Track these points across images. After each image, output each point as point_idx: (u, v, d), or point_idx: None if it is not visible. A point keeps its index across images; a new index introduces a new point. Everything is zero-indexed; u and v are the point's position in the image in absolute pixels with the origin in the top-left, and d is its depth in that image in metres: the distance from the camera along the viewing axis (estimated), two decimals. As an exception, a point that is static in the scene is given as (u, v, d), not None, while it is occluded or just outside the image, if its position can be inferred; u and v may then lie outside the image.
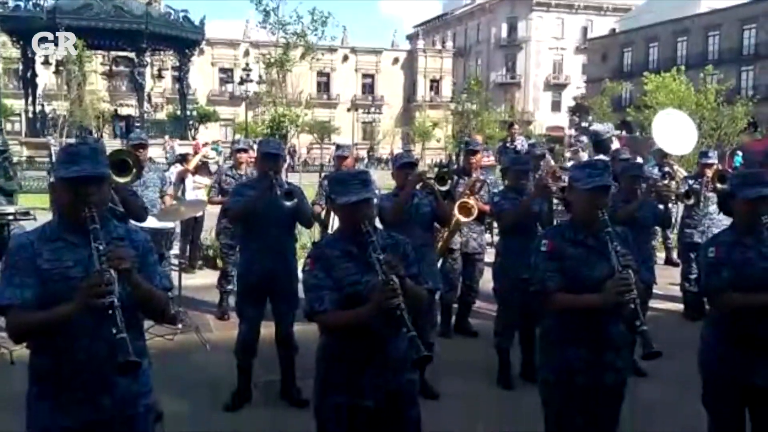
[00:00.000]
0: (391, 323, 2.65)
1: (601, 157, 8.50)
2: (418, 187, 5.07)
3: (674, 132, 8.99)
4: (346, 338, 2.82)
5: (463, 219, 5.89)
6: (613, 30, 58.64)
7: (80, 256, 2.42)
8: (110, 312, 2.23)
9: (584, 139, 12.81)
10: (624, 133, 30.02)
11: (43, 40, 27.32)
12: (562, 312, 3.10)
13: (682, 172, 8.72)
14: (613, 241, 2.93)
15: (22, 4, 27.71)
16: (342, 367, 2.84)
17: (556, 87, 65.30)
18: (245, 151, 7.64)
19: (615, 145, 10.15)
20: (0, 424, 4.38)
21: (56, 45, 26.57)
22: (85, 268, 2.38)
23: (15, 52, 31.15)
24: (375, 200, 2.99)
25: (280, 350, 4.96)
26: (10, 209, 6.29)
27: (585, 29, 65.16)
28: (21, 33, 28.30)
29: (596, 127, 10.77)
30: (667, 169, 8.42)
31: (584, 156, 10.48)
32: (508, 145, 11.97)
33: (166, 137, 28.45)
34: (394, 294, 2.59)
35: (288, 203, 4.70)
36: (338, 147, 7.27)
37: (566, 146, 12.38)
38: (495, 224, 10.94)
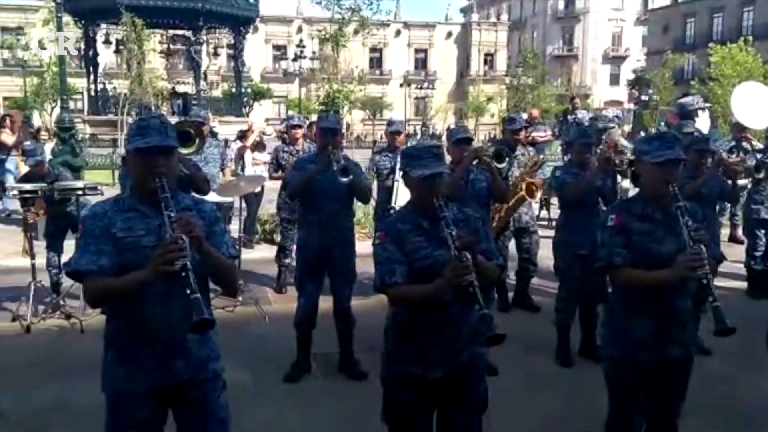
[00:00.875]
0: (462, 299, 2.65)
1: (690, 128, 8.20)
2: (474, 163, 5.03)
3: (754, 105, 8.64)
4: (416, 311, 2.83)
5: (529, 199, 5.90)
6: (675, 0, 56.55)
7: (151, 226, 2.50)
8: (183, 274, 2.29)
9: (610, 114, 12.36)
10: (685, 107, 29.00)
11: (104, 19, 27.95)
12: (628, 287, 3.05)
13: (759, 146, 8.39)
14: (684, 215, 2.85)
15: (84, -16, 28.35)
16: (411, 339, 2.86)
17: (614, 60, 63.58)
18: (300, 126, 7.70)
19: (703, 118, 9.71)
20: (74, 390, 4.58)
21: (117, 24, 27.15)
22: (156, 236, 2.46)
23: (77, 33, 31.93)
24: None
25: (338, 323, 5.03)
26: (79, 184, 6.50)
27: (645, 0, 63.08)
28: (83, 13, 29.01)
29: (683, 99, 10.36)
30: (745, 144, 8.12)
31: (617, 135, 10.14)
32: (569, 117, 11.75)
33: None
34: (466, 270, 2.58)
35: (344, 179, 4.73)
36: (391, 123, 7.23)
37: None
38: (552, 199, 10.85)
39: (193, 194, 4.67)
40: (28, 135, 12.75)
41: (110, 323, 2.62)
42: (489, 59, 62.95)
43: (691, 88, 33.92)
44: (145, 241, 2.48)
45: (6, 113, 12.34)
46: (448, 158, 5.20)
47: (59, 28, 9.48)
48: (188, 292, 2.28)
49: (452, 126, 8.99)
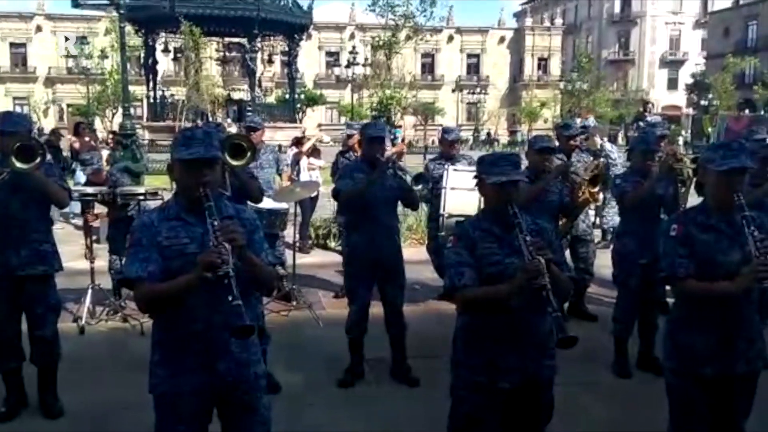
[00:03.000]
0: (533, 304, 2.64)
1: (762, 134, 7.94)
2: (558, 178, 5.02)
3: None
4: (485, 318, 2.83)
5: (594, 202, 5.86)
6: (737, 2, 54.93)
7: (195, 234, 2.59)
8: (226, 281, 2.38)
9: (591, 123, 11.98)
10: (747, 112, 28.21)
11: (164, 28, 28.70)
12: (691, 299, 2.97)
13: None
14: (749, 225, 2.77)
15: (144, -6, 29.25)
16: (480, 347, 2.87)
17: (672, 64, 62.15)
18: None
19: None
20: (135, 390, 4.71)
21: (176, 33, 27.85)
22: (199, 244, 2.56)
23: (138, 41, 32.92)
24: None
25: (390, 329, 5.03)
26: (141, 189, 6.68)
27: (705, 2, 61.49)
28: (143, 22, 29.85)
29: None
30: None
31: (598, 141, 9.88)
32: (641, 123, 11.56)
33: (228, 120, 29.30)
34: (539, 273, 2.59)
35: (417, 187, 4.75)
36: (447, 131, 7.20)
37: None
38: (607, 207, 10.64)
39: (249, 203, 4.81)
40: (96, 141, 13.20)
41: (157, 327, 2.73)
42: (542, 64, 62.31)
43: (753, 92, 32.90)
44: (189, 249, 2.57)
45: (79, 121, 12.82)
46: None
47: (122, 38, 9.78)
48: (230, 298, 2.37)
49: (534, 134, 8.90)
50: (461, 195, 5.82)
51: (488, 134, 51.67)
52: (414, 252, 8.07)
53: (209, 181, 2.57)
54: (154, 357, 2.71)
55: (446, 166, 6.33)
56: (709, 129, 33.69)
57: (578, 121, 11.25)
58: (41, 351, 4.38)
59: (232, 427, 2.77)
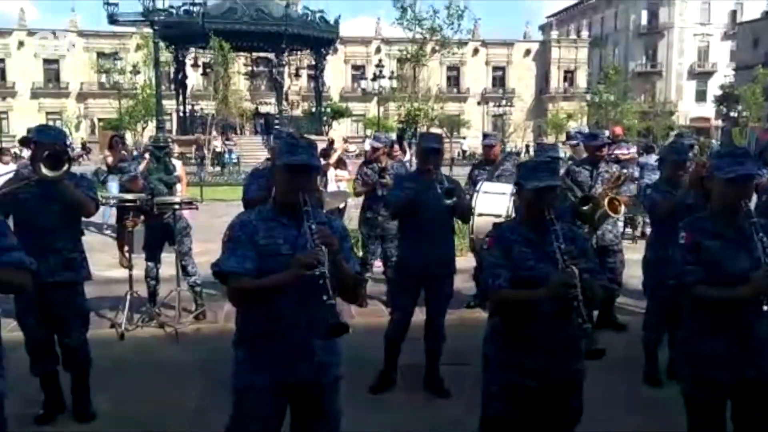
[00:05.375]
0: (563, 313, 2.71)
1: None
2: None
3: None
4: (516, 320, 2.90)
5: (612, 215, 5.82)
6: (766, 13, 54.27)
7: (289, 236, 2.72)
8: (321, 282, 2.49)
9: (584, 131, 11.89)
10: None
11: (194, 43, 29.15)
12: (701, 305, 3.00)
13: None
14: (758, 232, 2.81)
15: (174, 11, 29.82)
16: (509, 347, 2.94)
17: (701, 75, 61.52)
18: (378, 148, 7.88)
19: None
20: (169, 393, 4.84)
21: (205, 48, 28.28)
22: (292, 246, 2.68)
23: (168, 56, 33.53)
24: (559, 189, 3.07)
25: (429, 340, 5.02)
26: (176, 199, 6.84)
27: (734, 13, 60.85)
28: (174, 38, 30.42)
29: None
30: None
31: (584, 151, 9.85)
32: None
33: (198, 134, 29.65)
34: (573, 283, 2.65)
35: (448, 202, 4.74)
36: (485, 136, 7.43)
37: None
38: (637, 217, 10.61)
39: None
40: (129, 154, 13.48)
41: (243, 323, 2.83)
42: (569, 76, 62.05)
43: (784, 103, 32.46)
44: (283, 249, 2.69)
45: (114, 134, 13.14)
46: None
47: (156, 54, 10.02)
48: (325, 297, 2.47)
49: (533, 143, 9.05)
50: (492, 197, 6.00)
51: (510, 150, 51.53)
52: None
53: (308, 188, 2.71)
54: (238, 351, 2.81)
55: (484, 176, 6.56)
56: (743, 141, 33.26)
57: (606, 132, 11.21)
58: (71, 357, 4.46)
59: (304, 427, 2.84)
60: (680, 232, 3.07)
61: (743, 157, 2.95)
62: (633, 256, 6.72)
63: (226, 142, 31.69)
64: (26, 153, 16.42)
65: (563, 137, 51.44)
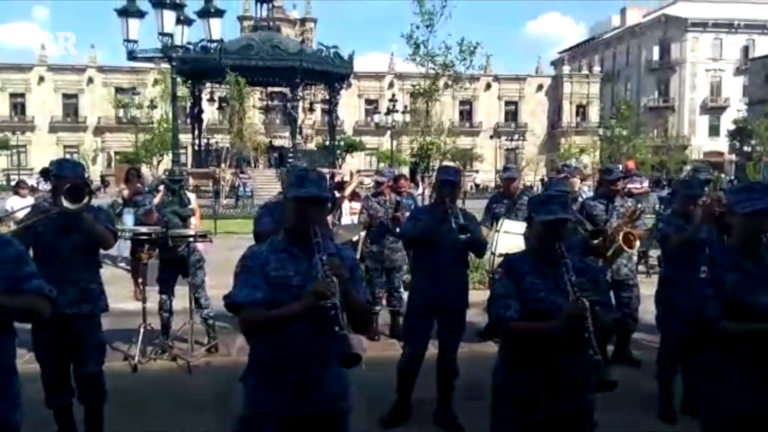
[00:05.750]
0: (574, 345, 2.71)
1: None
2: None
3: None
4: (526, 351, 2.90)
5: (627, 249, 5.80)
6: (779, 48, 54.53)
7: (301, 267, 2.74)
8: (332, 312, 2.52)
9: (572, 164, 11.94)
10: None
11: (210, 78, 29.50)
12: (724, 338, 2.98)
13: None
14: None
15: (192, 47, 30.34)
16: (519, 378, 2.93)
17: (713, 110, 61.54)
18: (383, 182, 8.00)
19: None
20: (184, 424, 4.83)
21: (221, 83, 28.63)
22: (303, 277, 2.71)
23: (185, 91, 34.04)
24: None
25: (441, 375, 4.98)
26: (191, 231, 6.90)
27: (746, 48, 61.09)
28: (191, 74, 30.91)
29: None
30: None
31: (576, 183, 9.80)
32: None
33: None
34: (583, 315, 2.66)
35: (462, 237, 4.71)
36: (506, 169, 7.55)
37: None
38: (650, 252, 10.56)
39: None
40: (144, 187, 13.61)
41: (255, 352, 2.87)
42: (581, 111, 62.32)
43: (798, 138, 32.36)
44: (294, 281, 2.72)
45: (131, 167, 13.29)
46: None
47: (173, 89, 10.17)
48: (337, 328, 2.50)
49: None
50: (512, 238, 6.02)
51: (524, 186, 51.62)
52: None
53: (317, 219, 2.75)
54: (249, 380, 2.83)
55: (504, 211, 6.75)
56: (757, 176, 33.12)
57: (620, 166, 11.25)
58: (86, 389, 4.46)
59: None
60: (701, 267, 3.07)
61: (762, 192, 2.97)
62: (647, 291, 6.67)
63: (241, 176, 31.96)
64: (42, 185, 16.66)
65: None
